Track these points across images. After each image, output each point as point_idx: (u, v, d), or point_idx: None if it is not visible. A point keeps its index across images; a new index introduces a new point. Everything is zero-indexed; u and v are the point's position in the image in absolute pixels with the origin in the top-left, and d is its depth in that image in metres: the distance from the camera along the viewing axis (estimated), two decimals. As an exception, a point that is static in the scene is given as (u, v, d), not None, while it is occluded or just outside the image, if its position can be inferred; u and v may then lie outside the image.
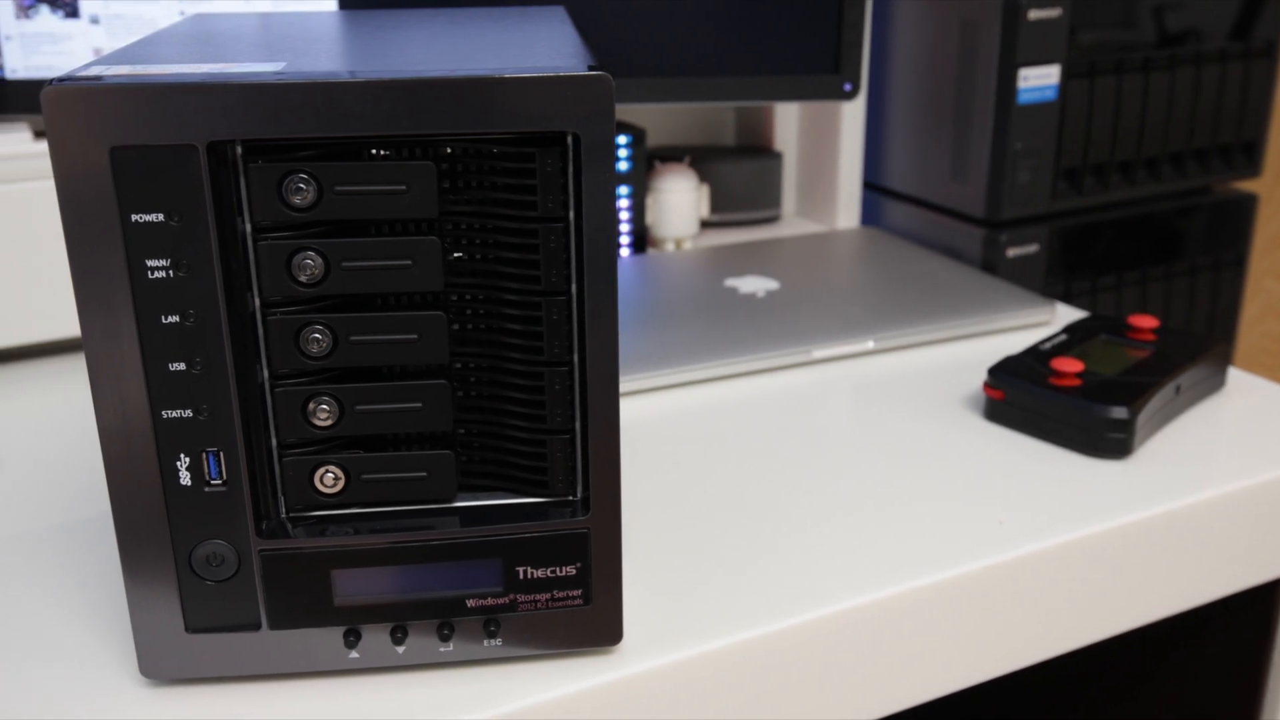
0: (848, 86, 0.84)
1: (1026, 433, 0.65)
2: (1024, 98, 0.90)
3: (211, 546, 0.44)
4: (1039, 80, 0.90)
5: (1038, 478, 0.61)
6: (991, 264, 0.94)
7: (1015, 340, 0.79)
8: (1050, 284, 0.97)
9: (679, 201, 0.99)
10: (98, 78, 0.39)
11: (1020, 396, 0.65)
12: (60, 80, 0.38)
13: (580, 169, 0.41)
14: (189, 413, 0.42)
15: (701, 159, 1.05)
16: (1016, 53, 0.88)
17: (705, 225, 1.06)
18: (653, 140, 1.13)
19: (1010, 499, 0.59)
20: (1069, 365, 0.65)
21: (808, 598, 0.51)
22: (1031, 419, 0.65)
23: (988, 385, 0.67)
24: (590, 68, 0.40)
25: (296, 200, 0.41)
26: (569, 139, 0.41)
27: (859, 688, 0.52)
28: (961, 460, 0.63)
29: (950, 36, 0.94)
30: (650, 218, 1.00)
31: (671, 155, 1.04)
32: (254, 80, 0.39)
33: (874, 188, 1.07)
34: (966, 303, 0.81)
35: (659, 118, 1.12)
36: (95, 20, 0.77)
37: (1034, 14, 0.88)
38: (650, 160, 1.03)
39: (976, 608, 0.54)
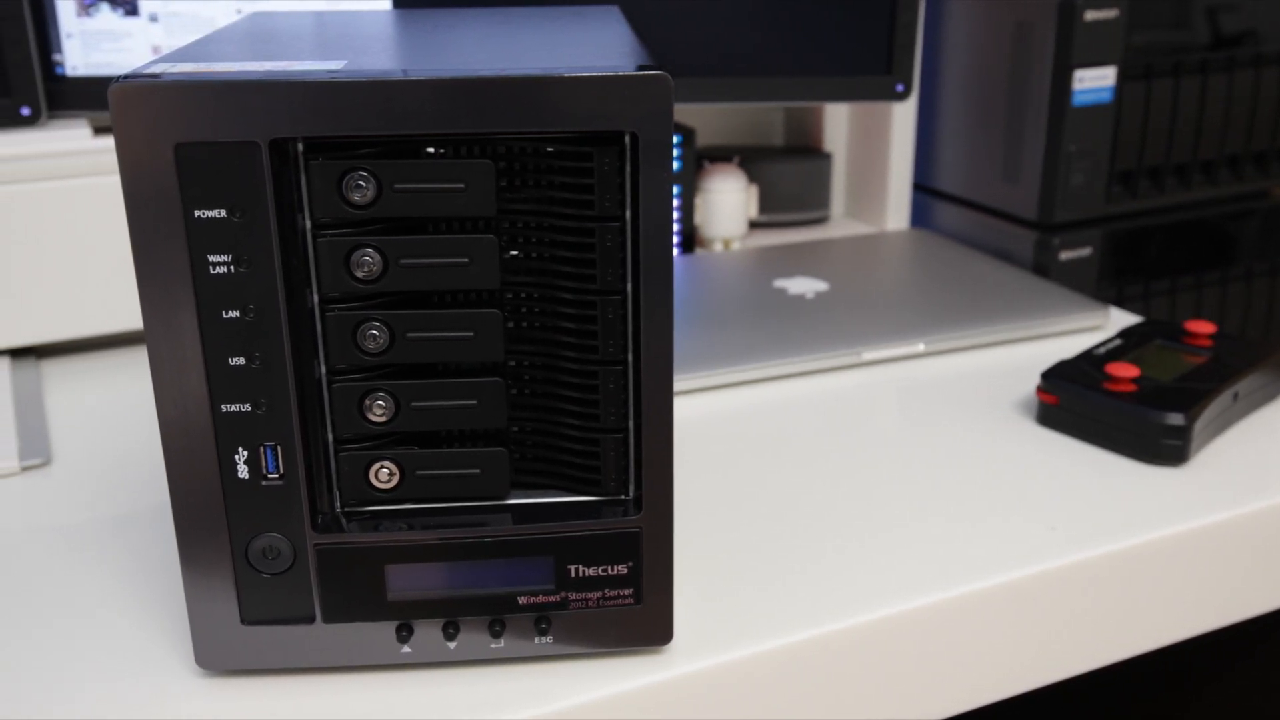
0: (900, 87, 0.84)
1: (1080, 438, 0.64)
2: (1079, 99, 0.89)
3: (267, 539, 0.44)
4: (1094, 82, 0.89)
5: (1091, 484, 0.60)
6: (1043, 267, 0.93)
7: (1067, 345, 0.78)
8: (1103, 288, 0.96)
9: (728, 201, 0.99)
10: (163, 75, 0.39)
11: (1074, 401, 0.64)
12: (126, 77, 0.39)
13: (638, 168, 0.41)
14: (248, 407, 0.42)
15: (750, 159, 1.05)
16: (1072, 54, 0.87)
17: (753, 226, 1.06)
18: (701, 140, 1.13)
19: (1063, 505, 0.58)
20: (1124, 370, 0.64)
21: (858, 602, 0.51)
22: (1086, 424, 0.64)
23: (1041, 390, 0.66)
24: (650, 67, 0.40)
25: (356, 198, 0.41)
26: (627, 138, 0.41)
27: (909, 693, 0.52)
28: (1013, 465, 0.62)
29: (1004, 37, 0.93)
30: (699, 218, 1.00)
31: (720, 155, 1.04)
32: (317, 78, 0.39)
33: (923, 189, 1.07)
34: (1018, 306, 0.81)
35: (708, 117, 1.12)
36: (154, 18, 0.78)
37: (1090, 15, 0.87)
38: (699, 160, 1.03)
39: (1028, 614, 0.53)
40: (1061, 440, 0.65)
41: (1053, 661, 0.55)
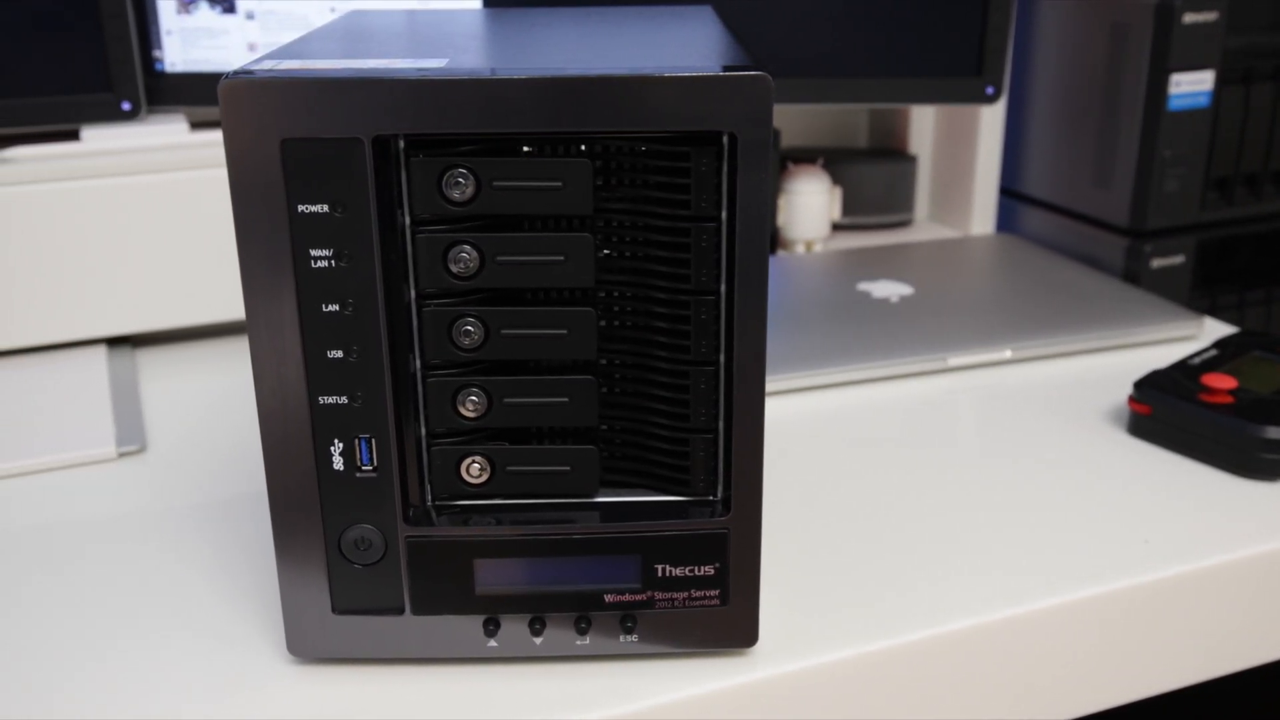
0: (990, 90, 0.82)
1: (1174, 450, 0.63)
2: (1175, 104, 0.87)
3: (360, 530, 0.45)
4: (1191, 86, 0.87)
5: (1185, 497, 0.59)
6: (1134, 275, 0.91)
7: (1159, 354, 0.76)
8: (1195, 297, 0.93)
9: (811, 203, 0.98)
10: (271, 71, 0.40)
11: (1168, 412, 0.63)
12: (236, 74, 0.40)
13: (736, 169, 0.41)
14: (344, 399, 0.43)
15: (834, 161, 1.04)
16: (1169, 57, 0.86)
17: (836, 228, 1.05)
18: (785, 141, 1.12)
19: (1156, 518, 0.57)
20: (1221, 382, 0.63)
21: (944, 609, 0.50)
22: (1180, 436, 0.62)
23: (1133, 399, 0.65)
24: (751, 67, 0.40)
25: (455, 195, 0.41)
26: (725, 138, 0.41)
27: (994, 703, 0.51)
28: (1104, 475, 0.61)
29: (1098, 39, 0.91)
30: (781, 219, 0.99)
31: (804, 156, 1.04)
32: (421, 76, 0.39)
33: (1009, 193, 1.05)
34: (1108, 314, 0.79)
35: (792, 118, 1.12)
36: (251, 16, 0.79)
37: (1189, 17, 0.85)
38: (783, 161, 1.02)
39: (1118, 628, 0.52)
40: (1154, 452, 0.63)
41: (1144, 677, 0.54)
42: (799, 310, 0.80)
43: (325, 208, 0.41)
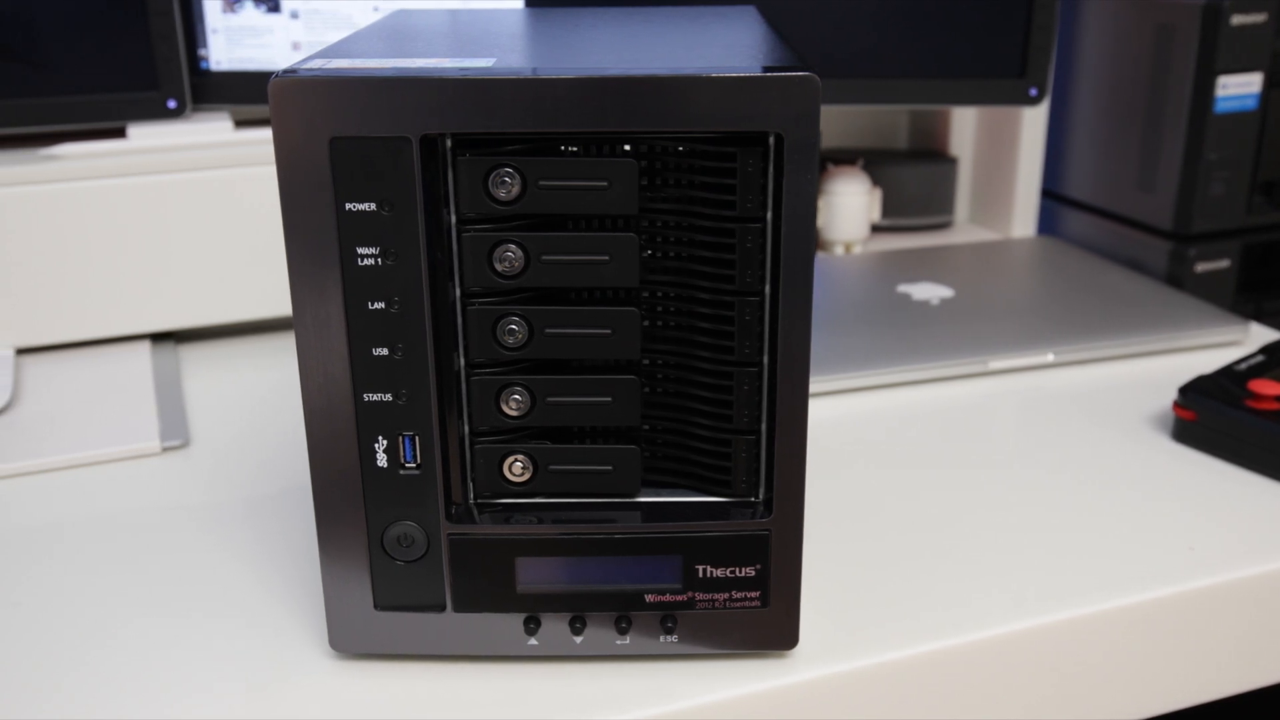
0: (1033, 91, 0.82)
1: (1219, 456, 0.62)
2: (1221, 106, 0.86)
3: (402, 527, 0.45)
4: (1239, 88, 0.86)
5: (1231, 504, 0.58)
6: (1177, 279, 0.90)
7: (1204, 359, 0.76)
8: (1240, 302, 0.92)
9: (850, 204, 0.98)
10: (320, 70, 0.40)
11: (1214, 418, 0.62)
12: (285, 72, 0.40)
13: (782, 170, 0.41)
14: (389, 397, 0.43)
15: (874, 162, 1.03)
16: (1216, 59, 0.85)
17: (875, 229, 1.05)
18: (825, 142, 1.12)
19: (1201, 525, 0.56)
20: (1268, 388, 0.62)
21: (985, 614, 0.50)
22: (1225, 442, 0.62)
23: (1178, 405, 0.64)
24: (798, 68, 0.40)
25: (501, 194, 0.42)
26: (771, 139, 0.41)
27: (1035, 710, 0.51)
28: (1148, 481, 0.60)
29: (1143, 40, 0.90)
30: (821, 220, 0.99)
31: (844, 157, 1.03)
32: (470, 75, 0.40)
33: (1050, 195, 1.04)
34: (1152, 318, 0.78)
35: (831, 119, 1.11)
36: (295, 15, 0.80)
37: (1237, 19, 0.84)
38: (822, 162, 1.02)
39: (1162, 636, 0.52)
40: (1199, 458, 0.63)
41: (1189, 685, 0.53)
42: (838, 312, 0.80)
43: (373, 206, 0.41)
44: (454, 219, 0.42)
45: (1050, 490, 0.60)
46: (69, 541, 0.56)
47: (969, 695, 0.49)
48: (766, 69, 0.40)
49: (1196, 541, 0.55)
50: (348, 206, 0.41)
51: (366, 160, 0.40)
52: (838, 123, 1.12)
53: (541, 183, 0.41)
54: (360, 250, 0.41)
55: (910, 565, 0.53)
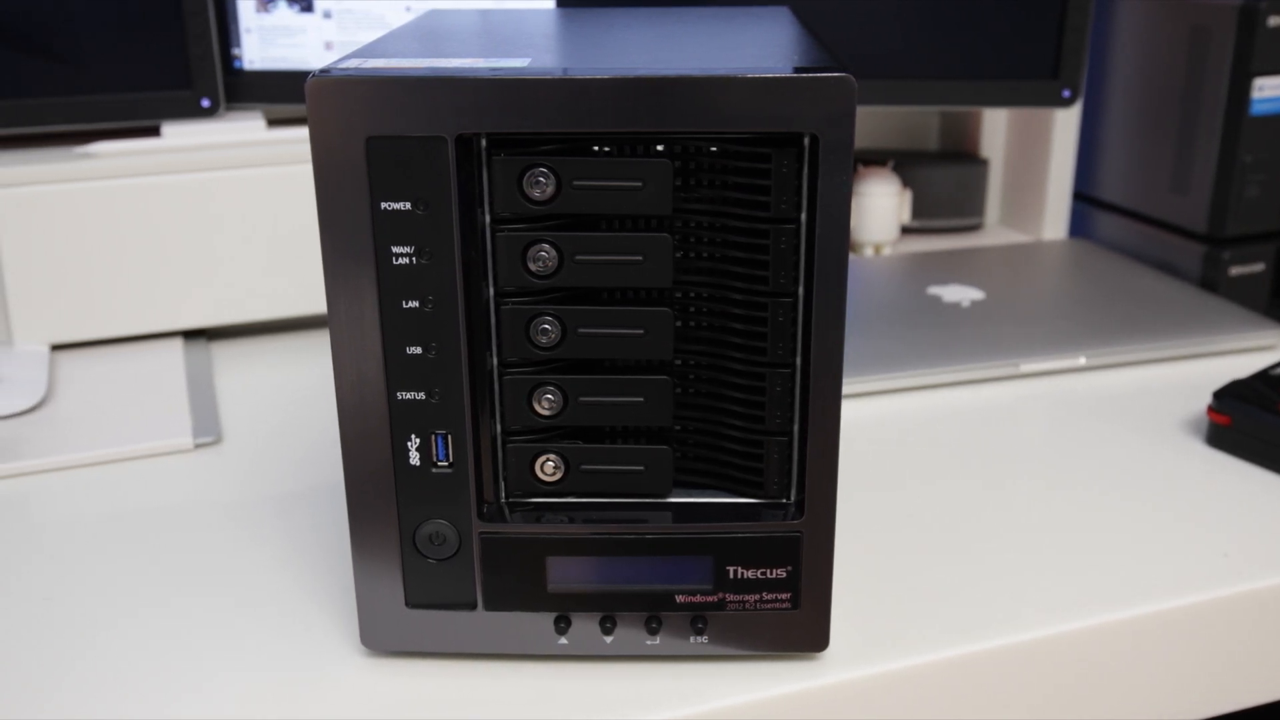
0: (1066, 93, 0.81)
1: (1254, 462, 0.62)
2: (1257, 108, 0.85)
3: (434, 526, 0.45)
4: (1275, 90, 0.85)
5: (1266, 510, 0.58)
6: (1211, 282, 0.89)
7: (1238, 364, 0.75)
8: (1275, 306, 0.91)
9: (880, 206, 0.97)
10: (357, 70, 0.40)
11: (1249, 423, 0.62)
12: (322, 72, 0.40)
13: (817, 171, 0.41)
14: (422, 395, 0.43)
15: (904, 163, 1.03)
16: (1252, 61, 0.84)
17: (905, 231, 1.04)
18: (855, 143, 1.11)
19: (1236, 530, 0.56)
20: (1305, 393, 0.61)
21: (1014, 619, 0.49)
22: (1261, 447, 0.61)
23: (1212, 410, 0.63)
24: (834, 68, 0.40)
25: (535, 194, 0.42)
26: (806, 140, 0.41)
27: (1065, 715, 0.50)
28: (1182, 486, 0.60)
29: (1178, 42, 0.90)
30: (850, 221, 0.98)
31: (874, 159, 1.03)
32: (504, 75, 0.40)
33: (1082, 198, 1.04)
34: (1185, 322, 0.78)
35: (862, 120, 1.11)
36: (328, 15, 0.80)
37: (1274, 21, 0.83)
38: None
39: (1196, 642, 0.51)
40: (1233, 463, 0.62)
41: (1223, 692, 0.53)
42: (868, 314, 0.80)
43: (408, 205, 0.41)
44: (488, 218, 0.42)
45: (1082, 494, 0.59)
46: (101, 536, 0.57)
47: (999, 700, 0.49)
48: (802, 69, 0.40)
49: (1231, 548, 0.54)
50: (383, 206, 0.41)
51: (402, 160, 0.41)
52: (868, 123, 1.11)
53: (576, 183, 0.42)
54: (395, 249, 0.42)
55: (940, 568, 0.53)
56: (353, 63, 0.42)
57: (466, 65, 0.41)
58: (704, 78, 0.40)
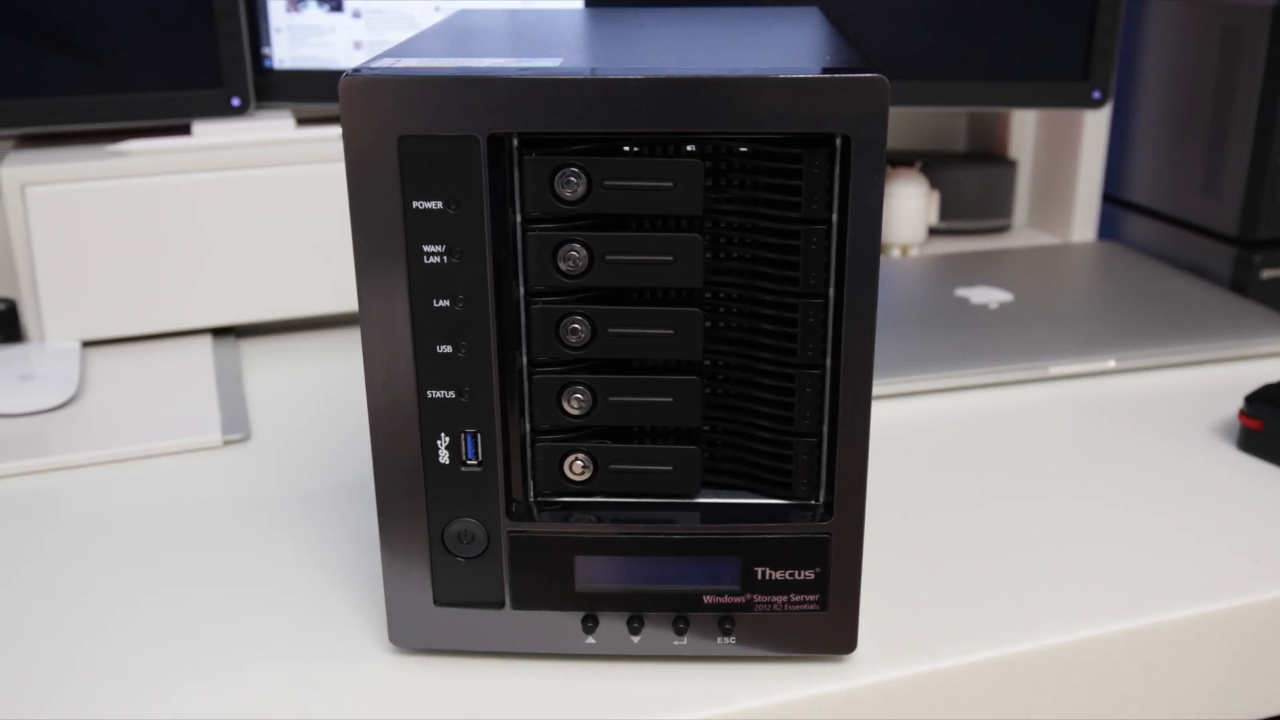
0: (1097, 94, 0.81)
1: (1286, 466, 0.61)
2: (1290, 110, 0.84)
3: (463, 524, 0.45)
4: (1308, 92, 0.84)
5: (1299, 515, 0.57)
6: (1242, 285, 0.89)
7: (1269, 368, 0.74)
8: (1306, 309, 0.91)
9: (908, 207, 0.97)
10: (390, 69, 0.40)
11: (1281, 428, 0.61)
12: (355, 71, 0.40)
13: (848, 172, 0.40)
14: (451, 394, 0.44)
15: (932, 164, 1.03)
16: (1285, 62, 0.83)
17: (933, 232, 1.04)
18: (880, 144, 1.11)
19: (1267, 535, 0.55)
20: (1338, 397, 0.61)
21: (1043, 623, 0.49)
22: (1293, 452, 0.61)
23: (1244, 414, 0.63)
24: (867, 69, 0.40)
25: (566, 193, 0.42)
26: (838, 141, 0.41)
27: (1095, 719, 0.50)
28: (1213, 491, 0.59)
29: (1209, 42, 0.89)
30: (876, 222, 0.98)
31: (902, 160, 1.03)
32: (536, 75, 0.40)
33: (1111, 200, 1.03)
34: (1216, 325, 0.77)
35: (889, 120, 1.10)
36: (357, 14, 0.81)
37: (1308, 21, 0.82)
38: (879, 164, 1.01)
39: (1227, 648, 0.51)
40: (1265, 468, 0.62)
41: (1254, 698, 0.52)
42: (896, 315, 0.79)
43: (439, 204, 0.41)
44: (519, 218, 0.42)
45: (1111, 498, 0.59)
46: (131, 532, 0.57)
47: (1026, 703, 0.49)
48: (834, 70, 0.40)
49: (1263, 552, 0.54)
50: (415, 204, 0.41)
51: (434, 159, 0.41)
52: (896, 124, 1.11)
53: (607, 182, 0.42)
54: (426, 248, 0.42)
55: (968, 571, 0.53)
56: (385, 62, 0.42)
57: (498, 65, 0.41)
58: (735, 78, 0.40)
